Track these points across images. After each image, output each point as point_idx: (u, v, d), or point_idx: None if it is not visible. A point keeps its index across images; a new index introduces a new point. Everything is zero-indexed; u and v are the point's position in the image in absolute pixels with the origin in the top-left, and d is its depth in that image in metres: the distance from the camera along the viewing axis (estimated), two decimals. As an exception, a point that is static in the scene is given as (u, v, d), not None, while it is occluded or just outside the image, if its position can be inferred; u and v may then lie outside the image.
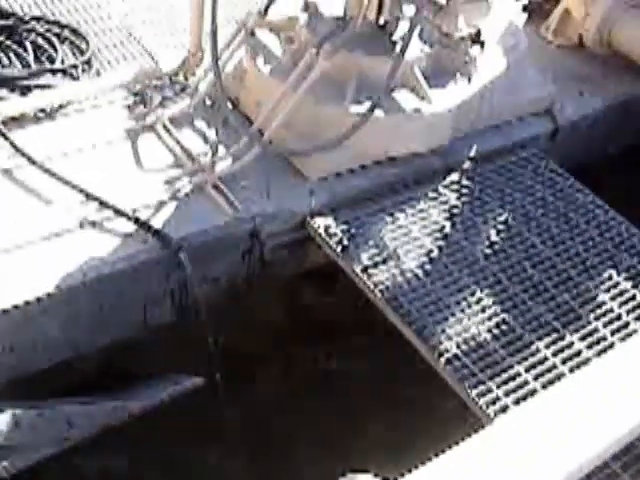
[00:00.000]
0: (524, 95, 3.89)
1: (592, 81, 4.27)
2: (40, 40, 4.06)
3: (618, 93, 4.25)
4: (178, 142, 3.44)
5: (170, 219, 3.16)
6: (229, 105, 3.54)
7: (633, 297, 3.22)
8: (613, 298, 3.21)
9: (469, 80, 3.58)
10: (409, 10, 3.45)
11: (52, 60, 3.96)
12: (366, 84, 3.35)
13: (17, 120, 3.48)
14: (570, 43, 4.47)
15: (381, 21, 3.43)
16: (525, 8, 4.70)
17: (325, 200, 3.33)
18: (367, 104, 3.26)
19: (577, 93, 4.16)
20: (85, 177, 3.22)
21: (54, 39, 4.07)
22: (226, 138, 3.41)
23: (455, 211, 3.44)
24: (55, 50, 4.01)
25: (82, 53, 4.04)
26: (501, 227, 3.42)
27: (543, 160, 3.79)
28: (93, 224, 3.10)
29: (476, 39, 3.51)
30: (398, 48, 3.27)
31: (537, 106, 3.94)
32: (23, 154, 3.26)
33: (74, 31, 4.18)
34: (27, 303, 2.83)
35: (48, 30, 4.14)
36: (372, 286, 3.10)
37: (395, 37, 3.50)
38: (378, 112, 3.27)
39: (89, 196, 3.14)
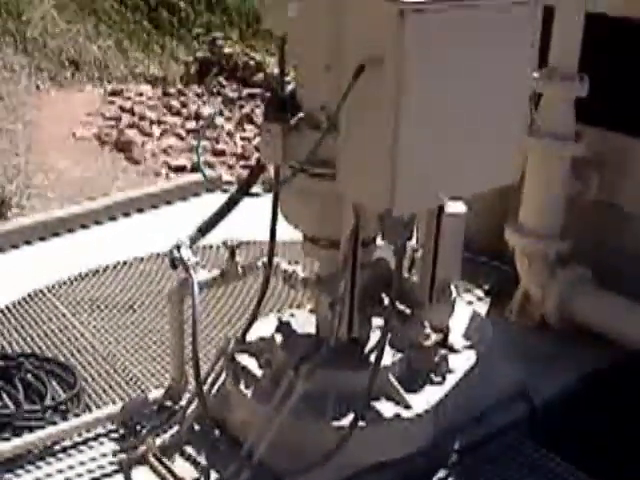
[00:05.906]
0: (498, 383, 4.00)
1: (561, 356, 4.42)
2: (30, 377, 4.19)
3: (587, 365, 4.38)
4: (170, 470, 3.51)
5: None
6: (217, 428, 3.67)
7: None
8: None
9: (443, 379, 3.71)
10: (378, 321, 3.65)
11: (41, 396, 4.07)
12: (345, 397, 3.46)
13: (11, 460, 3.60)
14: (534, 322, 4.64)
15: (353, 335, 3.58)
16: (487, 292, 4.95)
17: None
18: (348, 417, 3.38)
19: (548, 371, 4.28)
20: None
21: (43, 375, 4.19)
22: (217, 462, 3.48)
23: (447, 513, 3.50)
24: (44, 386, 4.12)
25: (70, 387, 4.15)
26: (493, 521, 3.48)
27: (525, 443, 3.89)
28: None
29: (444, 343, 3.69)
30: (372, 358, 3.45)
31: (512, 391, 4.05)
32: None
33: (62, 365, 4.32)
34: None
35: (37, 367, 4.27)
36: None
37: (367, 348, 3.66)
38: (360, 423, 3.35)
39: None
